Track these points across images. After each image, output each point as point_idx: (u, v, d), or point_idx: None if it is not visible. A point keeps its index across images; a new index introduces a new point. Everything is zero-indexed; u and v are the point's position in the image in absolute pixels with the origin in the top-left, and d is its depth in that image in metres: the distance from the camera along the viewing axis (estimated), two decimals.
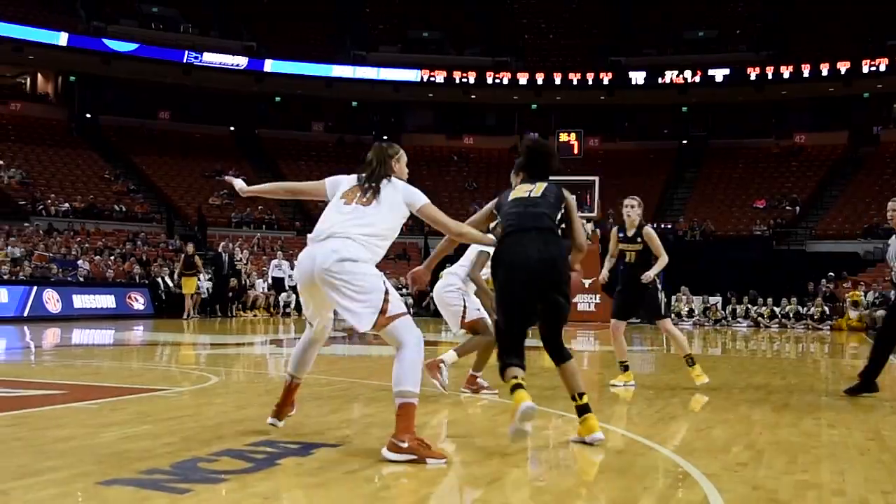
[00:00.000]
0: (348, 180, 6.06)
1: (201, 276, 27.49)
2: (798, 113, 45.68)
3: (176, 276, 27.28)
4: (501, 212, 6.39)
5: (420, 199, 5.96)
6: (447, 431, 7.06)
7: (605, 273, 10.57)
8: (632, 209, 10.06)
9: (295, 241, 37.54)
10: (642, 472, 5.45)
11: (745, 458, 5.92)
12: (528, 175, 6.60)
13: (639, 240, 9.99)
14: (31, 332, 18.99)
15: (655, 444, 6.35)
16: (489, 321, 8.70)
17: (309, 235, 5.89)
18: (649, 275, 9.82)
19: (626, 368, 10.19)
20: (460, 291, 9.05)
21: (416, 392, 5.52)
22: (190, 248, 27.18)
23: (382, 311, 5.55)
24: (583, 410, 6.17)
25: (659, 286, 10.24)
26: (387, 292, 5.59)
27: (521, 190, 6.44)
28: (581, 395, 6.18)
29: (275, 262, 30.69)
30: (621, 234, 10.10)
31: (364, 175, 5.99)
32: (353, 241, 5.65)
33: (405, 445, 5.38)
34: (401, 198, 5.91)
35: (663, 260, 9.92)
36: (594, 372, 12.60)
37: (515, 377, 5.89)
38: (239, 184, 6.72)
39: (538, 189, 6.36)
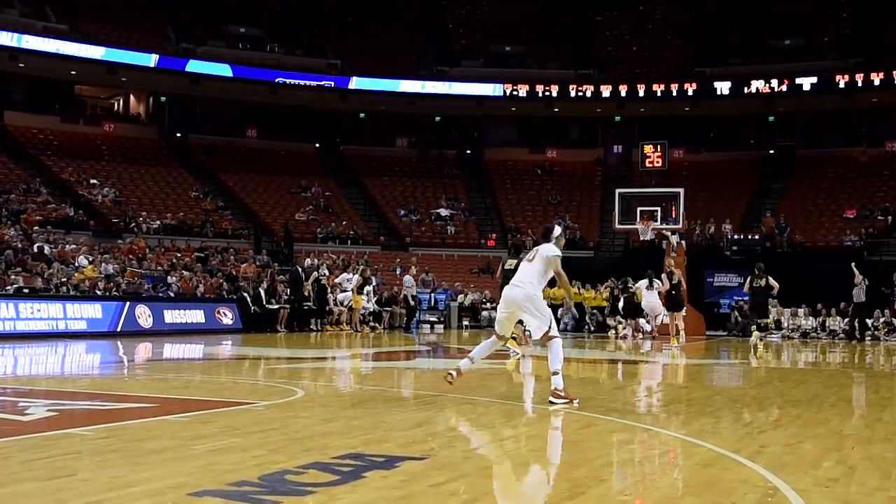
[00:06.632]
0: None
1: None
2: (891, 121, 44.43)
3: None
4: None
5: None
6: (527, 445, 7.05)
7: None
8: None
9: (380, 255, 37.73)
10: (730, 487, 5.37)
11: (837, 473, 5.81)
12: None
13: None
14: (124, 347, 19.39)
15: (744, 458, 6.26)
16: None
17: None
18: None
19: None
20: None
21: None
22: None
23: None
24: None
25: None
26: None
27: None
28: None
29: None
30: None
31: None
32: None
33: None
34: None
35: None
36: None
37: None
38: None
39: None
